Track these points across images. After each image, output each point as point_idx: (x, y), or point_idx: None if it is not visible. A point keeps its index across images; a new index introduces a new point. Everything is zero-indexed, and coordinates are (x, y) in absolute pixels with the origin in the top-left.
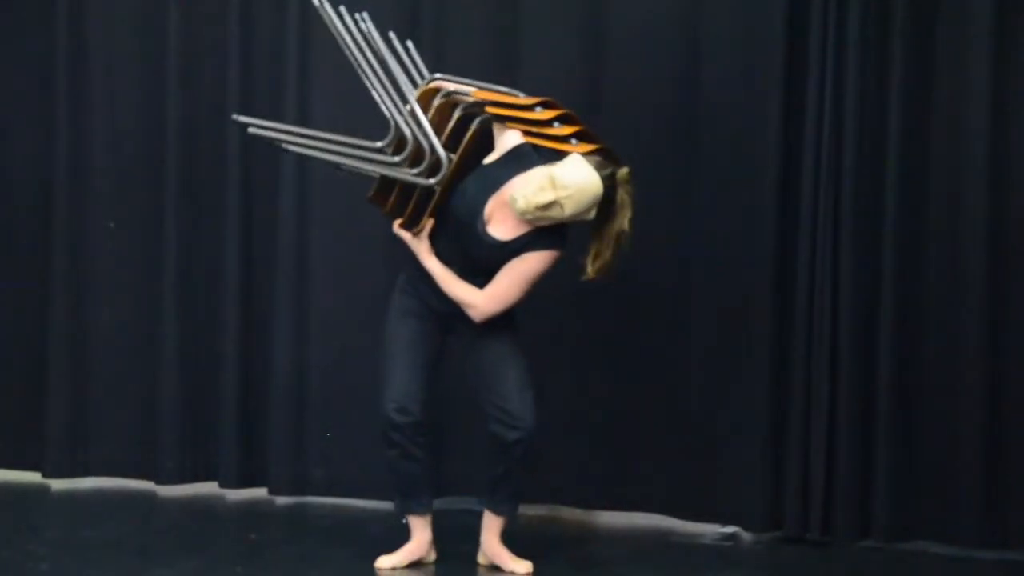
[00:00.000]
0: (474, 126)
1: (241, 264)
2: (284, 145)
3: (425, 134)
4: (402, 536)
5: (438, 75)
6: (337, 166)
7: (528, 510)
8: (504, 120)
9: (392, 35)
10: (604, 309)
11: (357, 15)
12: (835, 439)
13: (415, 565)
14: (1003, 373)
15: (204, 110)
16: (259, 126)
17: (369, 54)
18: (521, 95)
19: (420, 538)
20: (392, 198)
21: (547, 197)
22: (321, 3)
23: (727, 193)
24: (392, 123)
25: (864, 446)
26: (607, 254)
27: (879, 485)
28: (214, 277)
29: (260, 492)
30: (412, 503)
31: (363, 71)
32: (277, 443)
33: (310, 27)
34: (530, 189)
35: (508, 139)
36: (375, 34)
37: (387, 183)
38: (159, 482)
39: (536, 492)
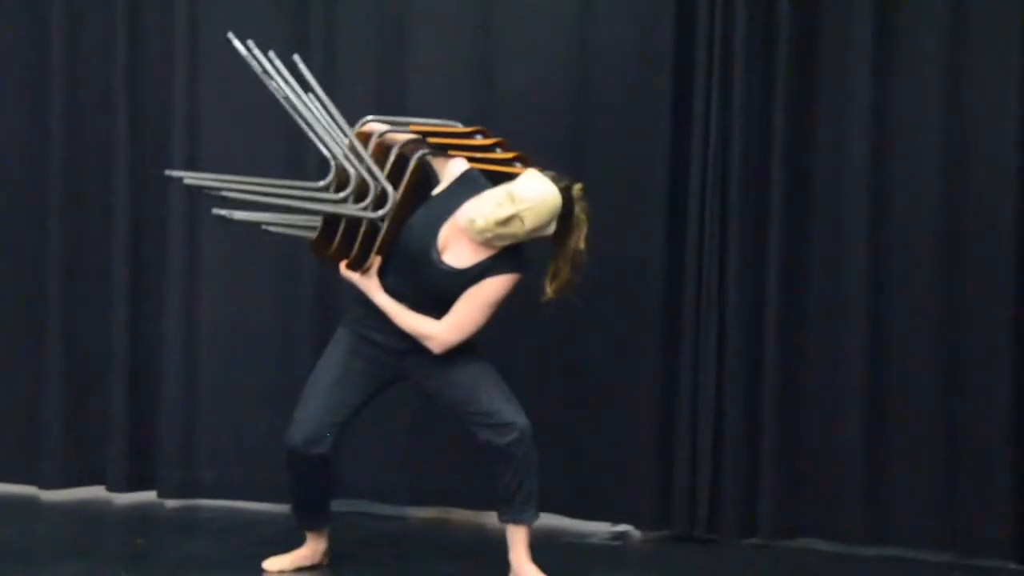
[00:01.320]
0: (414, 159)
1: (129, 262)
2: (223, 193)
3: (368, 168)
4: (295, 538)
5: (370, 117)
6: (259, 225)
7: (417, 512)
8: (447, 149)
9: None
10: (493, 316)
11: (294, 57)
12: (721, 440)
13: (304, 569)
14: (883, 375)
15: (90, 103)
16: (195, 177)
17: (301, 95)
18: (459, 125)
19: (314, 547)
20: (336, 240)
21: (506, 211)
22: (249, 49)
23: (616, 200)
24: (332, 161)
25: (749, 446)
26: (565, 272)
27: (764, 484)
28: (101, 275)
29: (149, 496)
30: (309, 518)
31: (297, 112)
32: (167, 445)
33: (198, 27)
34: (488, 207)
35: (453, 167)
36: (307, 74)
37: (330, 227)
38: (42, 487)
39: (425, 494)
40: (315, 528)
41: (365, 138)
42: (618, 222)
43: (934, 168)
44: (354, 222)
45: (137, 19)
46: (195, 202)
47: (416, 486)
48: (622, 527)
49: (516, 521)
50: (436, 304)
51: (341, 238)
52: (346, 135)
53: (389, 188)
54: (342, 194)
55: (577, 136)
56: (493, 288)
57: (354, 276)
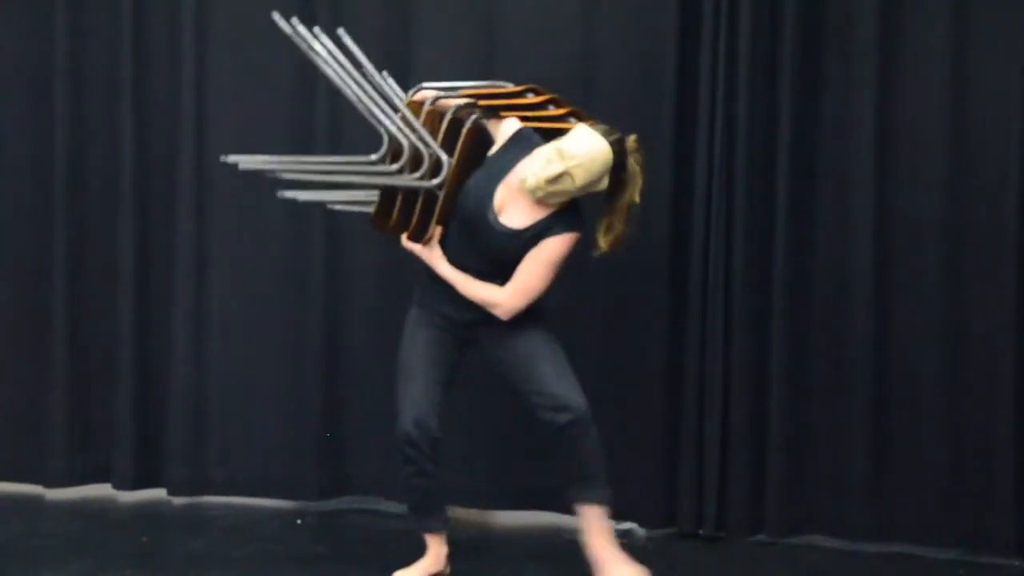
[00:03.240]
0: (468, 123)
1: (136, 258)
2: (279, 175)
3: (420, 137)
4: (302, 535)
5: (423, 84)
6: (324, 205)
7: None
8: (498, 111)
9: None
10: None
11: (339, 31)
12: (728, 437)
13: None
14: (888, 372)
15: (96, 98)
16: (250, 160)
17: (350, 69)
18: (509, 85)
19: (437, 553)
20: (395, 213)
21: (556, 169)
22: (293, 27)
23: None
24: (385, 134)
25: (755, 444)
26: (619, 226)
27: (770, 482)
28: (107, 271)
29: (155, 493)
30: (428, 520)
31: (347, 87)
32: (174, 442)
33: (205, 16)
34: (537, 165)
35: (506, 128)
36: (354, 49)
37: (387, 200)
38: (47, 485)
39: None
40: (436, 529)
41: (418, 107)
42: None
43: (939, 162)
44: (411, 193)
45: (143, 12)
46: (203, 197)
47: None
48: (628, 525)
49: (582, 499)
50: (499, 269)
51: (399, 210)
52: (397, 107)
53: (442, 154)
54: (396, 165)
55: None
56: (553, 248)
57: (416, 247)
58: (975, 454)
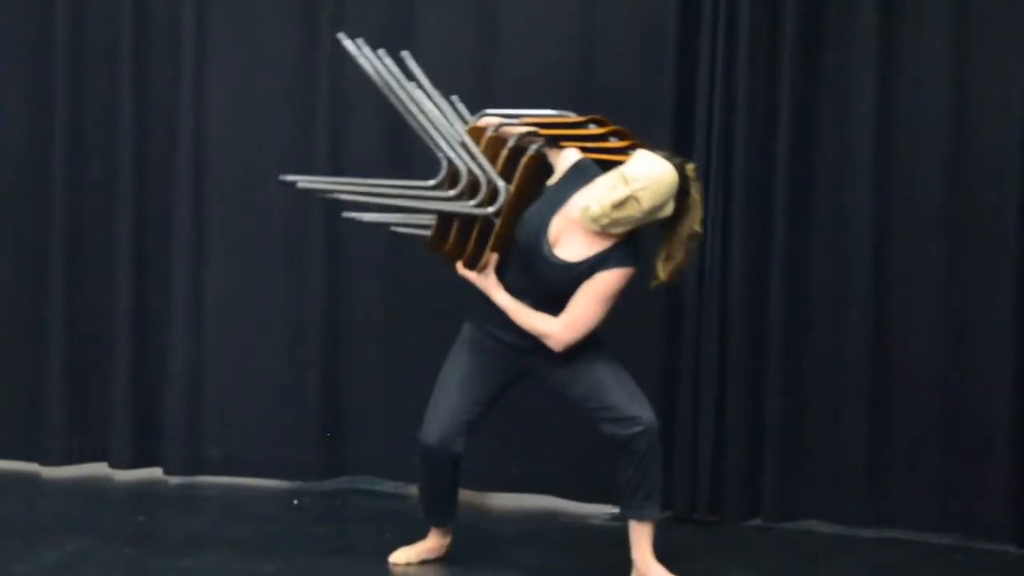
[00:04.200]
0: (528, 152)
1: (135, 239)
2: (336, 195)
3: (479, 164)
4: (299, 516)
5: (487, 111)
6: (387, 227)
7: (417, 492)
8: (559, 141)
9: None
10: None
11: (404, 54)
12: (723, 421)
13: (428, 561)
14: (885, 358)
15: (95, 88)
16: (308, 181)
17: (411, 92)
18: (572, 115)
19: (439, 540)
20: (452, 239)
21: (621, 193)
22: (359, 47)
23: None
24: (443, 159)
25: (751, 428)
26: (679, 256)
27: (766, 466)
28: (105, 251)
29: (152, 473)
30: (436, 515)
31: (407, 110)
32: (171, 422)
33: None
34: (601, 191)
35: (566, 158)
36: (417, 72)
37: (445, 224)
38: (44, 463)
39: None
40: (443, 523)
41: (479, 133)
42: None
43: (939, 158)
44: (468, 220)
45: (143, 9)
46: (201, 180)
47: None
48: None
49: (638, 517)
50: (554, 300)
51: (456, 236)
52: (458, 131)
53: (500, 183)
54: (453, 192)
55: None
56: (607, 282)
57: (471, 274)
58: (971, 440)
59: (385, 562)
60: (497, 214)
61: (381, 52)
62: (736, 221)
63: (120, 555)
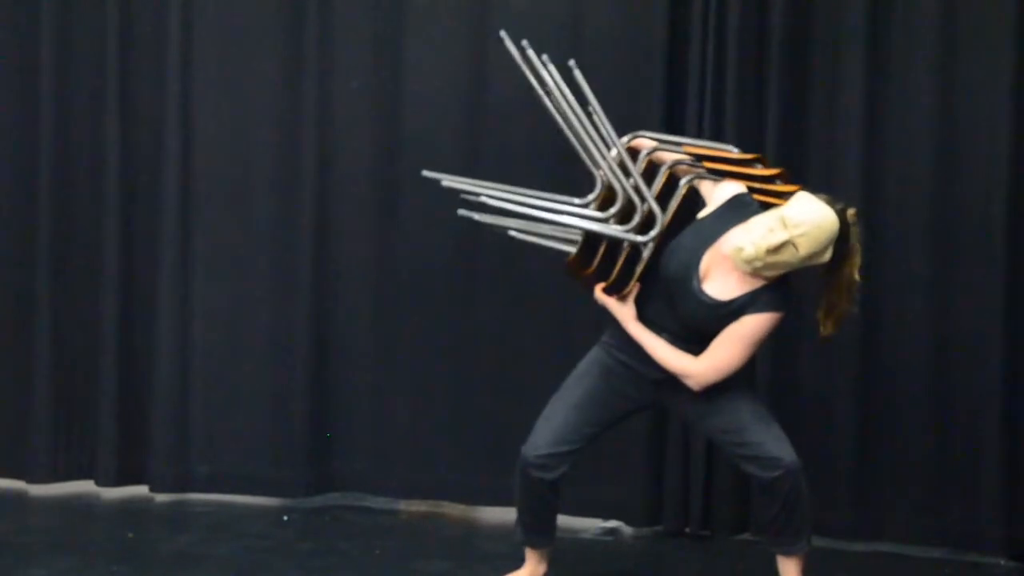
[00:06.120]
0: (685, 182)
1: (120, 254)
2: (482, 199)
3: (636, 187)
4: (288, 532)
5: (641, 133)
6: (508, 232)
7: (410, 506)
8: (723, 176)
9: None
10: (487, 307)
11: (571, 63)
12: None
13: None
14: (874, 371)
15: (82, 96)
16: (455, 181)
17: (572, 103)
18: (734, 150)
19: (534, 568)
20: (596, 262)
21: (779, 238)
22: (523, 50)
23: None
24: (599, 178)
25: None
26: (844, 305)
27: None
28: (91, 268)
29: (138, 490)
30: (533, 536)
31: (566, 121)
32: (158, 439)
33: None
34: (757, 233)
35: (723, 190)
36: (582, 83)
37: (590, 246)
38: (30, 481)
39: (419, 488)
40: (538, 546)
41: (633, 154)
42: None
43: (927, 164)
44: (616, 244)
45: (129, 12)
46: (187, 196)
47: (409, 480)
48: (614, 523)
49: (786, 553)
50: (694, 335)
51: (601, 260)
52: (613, 149)
53: (657, 210)
54: (605, 213)
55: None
56: (754, 327)
57: (609, 302)
58: (961, 453)
59: None
60: (651, 242)
61: (545, 58)
62: None
63: (109, 573)
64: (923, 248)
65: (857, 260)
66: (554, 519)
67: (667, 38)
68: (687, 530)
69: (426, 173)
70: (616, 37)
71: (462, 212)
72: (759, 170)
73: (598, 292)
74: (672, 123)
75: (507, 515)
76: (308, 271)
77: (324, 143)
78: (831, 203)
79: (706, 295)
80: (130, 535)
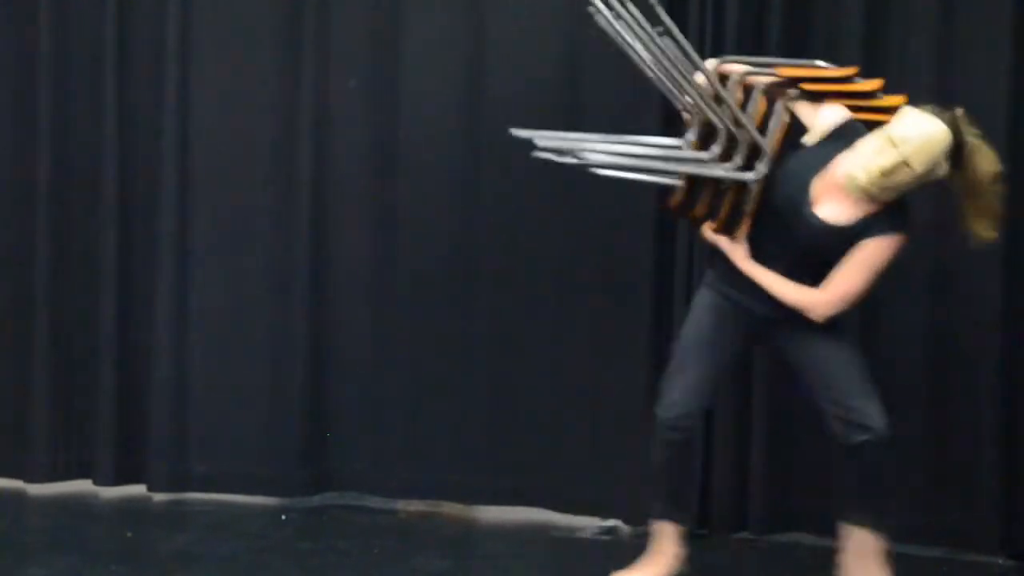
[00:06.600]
0: (784, 106)
1: (118, 253)
2: (580, 154)
3: (735, 119)
4: (287, 531)
5: (727, 57)
6: (591, 169)
7: (409, 505)
8: (823, 97)
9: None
10: (486, 307)
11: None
12: (712, 434)
13: None
14: (871, 370)
15: (79, 93)
16: (548, 137)
17: (653, 36)
18: (826, 65)
19: (674, 551)
20: (703, 202)
21: (890, 159)
22: (623, 3)
23: (605, 196)
24: (693, 115)
25: (739, 441)
26: (992, 203)
27: (754, 479)
28: (89, 266)
29: (137, 489)
30: (675, 510)
31: (647, 60)
32: (156, 438)
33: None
34: (867, 157)
35: (827, 116)
36: (661, 13)
37: (694, 187)
38: (28, 480)
39: (416, 487)
40: (680, 520)
41: (722, 80)
42: (607, 219)
43: None
44: (721, 181)
45: (127, 12)
46: (185, 196)
47: (407, 479)
48: (612, 522)
49: (854, 520)
50: (810, 265)
51: (707, 199)
52: (694, 80)
53: (762, 141)
54: (710, 154)
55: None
56: (876, 251)
57: (720, 240)
58: (958, 452)
59: None
60: (760, 178)
61: None
62: None
63: (107, 573)
64: (920, 244)
65: (985, 154)
66: (692, 495)
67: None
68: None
69: (516, 132)
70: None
71: (540, 153)
72: (859, 85)
73: (706, 230)
74: (672, 123)
75: (506, 514)
76: (306, 270)
77: (322, 142)
78: (940, 114)
79: (820, 220)
80: (129, 534)
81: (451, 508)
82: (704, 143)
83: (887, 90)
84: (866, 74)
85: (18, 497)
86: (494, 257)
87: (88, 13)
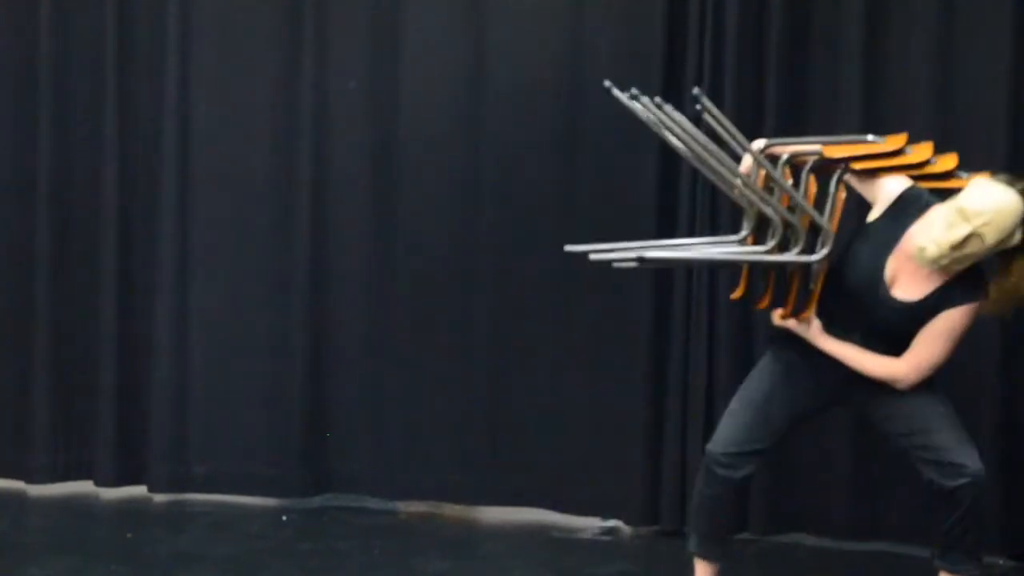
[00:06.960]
0: (839, 182)
1: (118, 253)
2: (642, 255)
3: (791, 205)
4: (287, 532)
5: (765, 140)
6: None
7: (409, 506)
8: (875, 173)
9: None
10: (485, 307)
11: (696, 91)
12: (711, 433)
13: None
14: None
15: (80, 98)
16: (602, 251)
17: (698, 138)
18: (873, 139)
19: None
20: (767, 291)
21: (961, 232)
22: (636, 97)
23: (605, 198)
24: (748, 208)
25: None
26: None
27: (753, 479)
28: (89, 267)
29: (137, 490)
30: (710, 546)
31: (702, 160)
32: (157, 439)
33: (190, 11)
34: (937, 230)
35: (888, 188)
36: (715, 112)
37: (756, 275)
38: (29, 481)
39: (417, 488)
40: (711, 557)
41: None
42: (608, 219)
43: None
44: (782, 266)
45: (127, 11)
46: (185, 196)
47: (407, 480)
48: (612, 522)
49: (953, 571)
50: (885, 338)
51: (772, 286)
52: (740, 172)
53: (822, 221)
54: (768, 246)
55: (567, 134)
56: (955, 320)
57: (792, 324)
58: None
59: None
60: (826, 259)
61: (659, 100)
62: (724, 221)
63: (108, 573)
64: None
65: None
66: (732, 529)
67: (665, 39)
68: (685, 529)
69: (569, 248)
70: (615, 37)
71: (596, 257)
72: (910, 156)
73: (777, 318)
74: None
75: (506, 515)
76: (306, 271)
77: (321, 142)
78: (1011, 183)
79: (897, 301)
80: (129, 535)
81: (451, 509)
82: (759, 232)
83: (886, 94)
84: (866, 74)
85: (19, 498)
86: (494, 257)
87: (88, 13)
